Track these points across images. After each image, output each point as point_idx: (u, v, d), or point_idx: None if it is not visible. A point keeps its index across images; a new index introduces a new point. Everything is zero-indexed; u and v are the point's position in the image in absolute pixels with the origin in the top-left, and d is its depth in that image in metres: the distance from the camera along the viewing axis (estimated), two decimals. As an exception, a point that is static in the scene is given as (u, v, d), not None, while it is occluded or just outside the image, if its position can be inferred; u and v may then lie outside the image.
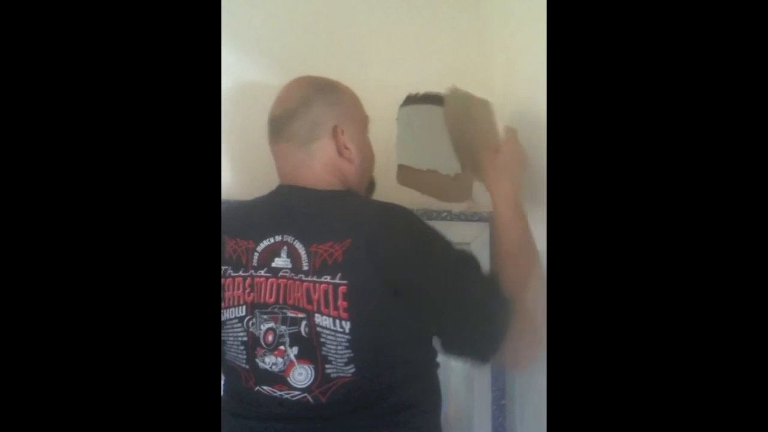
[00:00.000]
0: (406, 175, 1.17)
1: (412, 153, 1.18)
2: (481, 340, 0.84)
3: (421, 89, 1.20)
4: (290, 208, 0.89)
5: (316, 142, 0.91)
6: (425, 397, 0.88)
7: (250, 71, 1.19)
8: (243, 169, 1.20)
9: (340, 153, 0.93)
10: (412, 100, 1.20)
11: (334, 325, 0.79)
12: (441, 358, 0.91)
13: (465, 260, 0.87)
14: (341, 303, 0.79)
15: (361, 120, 0.99)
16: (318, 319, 0.80)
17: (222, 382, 0.93)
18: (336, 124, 0.93)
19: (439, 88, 1.21)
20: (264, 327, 0.84)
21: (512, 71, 1.18)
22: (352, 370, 0.80)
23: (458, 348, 0.87)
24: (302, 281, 0.82)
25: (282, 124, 0.92)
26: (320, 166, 0.91)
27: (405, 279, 0.80)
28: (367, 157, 0.99)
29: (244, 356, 0.86)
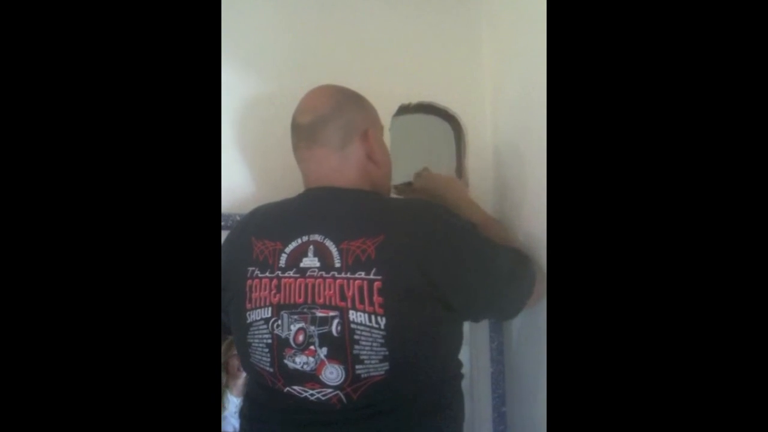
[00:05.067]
0: (402, 192, 1.18)
1: (406, 162, 1.19)
2: (512, 307, 0.93)
3: (414, 99, 1.22)
4: (319, 208, 0.89)
5: (349, 146, 0.93)
6: (452, 404, 0.89)
7: (245, 85, 1.19)
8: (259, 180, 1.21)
9: (369, 156, 0.95)
10: (405, 109, 1.22)
11: (370, 321, 0.79)
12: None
13: (493, 246, 0.90)
14: (377, 299, 0.78)
15: (380, 126, 1.02)
16: (353, 315, 0.79)
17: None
18: (365, 128, 0.95)
19: (431, 97, 1.24)
20: (294, 327, 0.82)
21: (502, 78, 1.22)
22: (386, 368, 0.79)
23: (489, 317, 1.05)
24: (335, 278, 0.81)
25: (316, 129, 0.93)
26: (353, 169, 0.93)
27: (442, 272, 0.81)
28: (388, 162, 1.02)
29: (269, 359, 0.84)
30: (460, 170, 1.25)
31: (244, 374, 1.46)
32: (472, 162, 1.25)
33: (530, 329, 1.08)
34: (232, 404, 1.40)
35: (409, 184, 1.17)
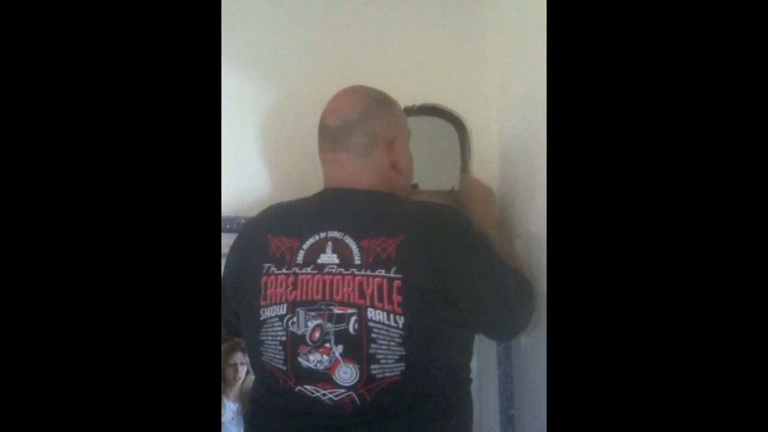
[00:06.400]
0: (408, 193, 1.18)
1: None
2: (514, 327, 0.95)
3: (419, 100, 1.22)
4: (338, 206, 0.89)
5: (374, 154, 0.92)
6: (463, 409, 0.88)
7: (247, 89, 1.18)
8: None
9: (393, 165, 0.94)
10: (408, 111, 1.21)
11: (388, 319, 0.78)
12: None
13: (504, 264, 0.91)
14: (396, 297, 0.78)
15: (407, 131, 1.01)
16: (371, 313, 0.78)
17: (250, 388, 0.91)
18: (392, 137, 0.94)
19: (434, 99, 1.24)
20: (311, 324, 0.80)
21: (507, 79, 1.23)
22: (402, 368, 0.78)
23: (493, 335, 1.00)
24: (354, 275, 0.80)
25: (342, 134, 0.92)
26: (374, 175, 0.92)
27: (455, 278, 0.81)
28: (411, 169, 1.01)
29: (282, 357, 0.82)
30: (465, 172, 1.24)
31: (240, 381, 1.44)
32: (477, 164, 1.24)
33: (538, 332, 1.07)
34: (229, 410, 1.38)
35: (414, 185, 1.16)
